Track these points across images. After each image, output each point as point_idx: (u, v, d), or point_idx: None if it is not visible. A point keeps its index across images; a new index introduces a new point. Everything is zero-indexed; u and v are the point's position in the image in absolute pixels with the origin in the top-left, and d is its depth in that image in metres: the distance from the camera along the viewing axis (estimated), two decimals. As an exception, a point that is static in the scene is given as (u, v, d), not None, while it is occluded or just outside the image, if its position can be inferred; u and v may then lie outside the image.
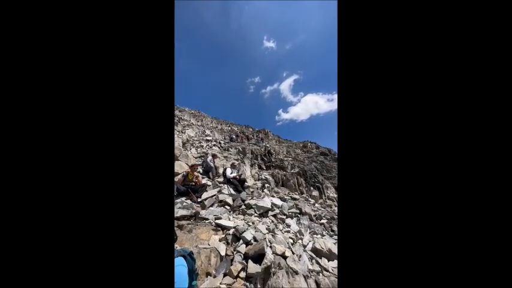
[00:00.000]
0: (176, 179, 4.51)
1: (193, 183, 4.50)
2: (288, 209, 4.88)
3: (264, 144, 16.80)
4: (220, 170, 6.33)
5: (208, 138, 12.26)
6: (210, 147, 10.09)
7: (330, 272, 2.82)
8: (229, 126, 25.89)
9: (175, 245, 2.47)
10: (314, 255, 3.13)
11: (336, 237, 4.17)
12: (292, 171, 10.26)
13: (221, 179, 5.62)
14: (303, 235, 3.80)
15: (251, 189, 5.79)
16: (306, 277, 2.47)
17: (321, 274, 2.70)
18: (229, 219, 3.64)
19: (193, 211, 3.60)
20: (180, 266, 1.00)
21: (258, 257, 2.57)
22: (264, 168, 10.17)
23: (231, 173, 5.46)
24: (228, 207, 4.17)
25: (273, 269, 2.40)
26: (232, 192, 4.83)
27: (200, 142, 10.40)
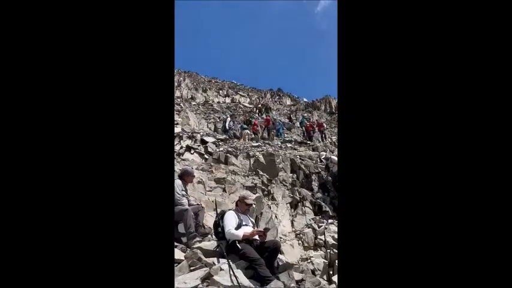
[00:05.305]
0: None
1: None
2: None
3: (324, 143, 7.06)
4: (210, 221, 2.83)
5: (174, 129, 5.66)
6: (181, 153, 5.00)
7: None
8: (227, 96, 11.95)
9: None
10: None
11: None
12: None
13: (211, 242, 2.29)
14: None
15: (299, 271, 2.40)
16: None
17: None
18: None
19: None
20: None
21: None
22: (333, 215, 4.18)
23: (238, 227, 2.14)
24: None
25: None
26: (245, 283, 1.71)
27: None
